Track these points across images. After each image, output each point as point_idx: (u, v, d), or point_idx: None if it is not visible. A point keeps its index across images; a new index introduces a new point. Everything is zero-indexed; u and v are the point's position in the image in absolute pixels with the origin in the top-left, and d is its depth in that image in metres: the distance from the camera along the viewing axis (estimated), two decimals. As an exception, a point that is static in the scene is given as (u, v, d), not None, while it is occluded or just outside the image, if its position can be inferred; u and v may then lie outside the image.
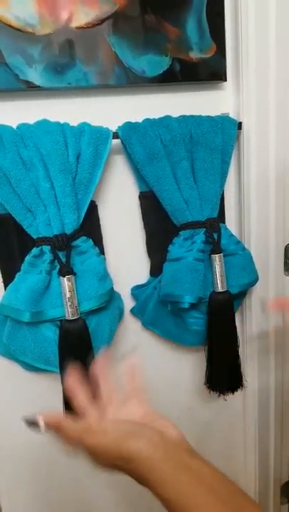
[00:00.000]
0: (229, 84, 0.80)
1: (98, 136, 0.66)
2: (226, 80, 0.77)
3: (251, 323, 0.94)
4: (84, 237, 0.67)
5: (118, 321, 0.76)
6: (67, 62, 0.65)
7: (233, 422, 1.06)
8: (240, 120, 0.79)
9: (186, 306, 0.71)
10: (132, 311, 0.84)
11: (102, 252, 0.72)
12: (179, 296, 0.71)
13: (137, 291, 0.83)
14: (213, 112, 0.77)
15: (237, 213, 0.89)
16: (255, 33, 0.75)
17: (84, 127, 0.65)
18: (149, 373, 0.90)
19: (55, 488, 0.91)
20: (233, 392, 0.80)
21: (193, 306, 0.74)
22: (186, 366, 0.94)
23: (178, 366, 0.93)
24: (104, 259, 0.69)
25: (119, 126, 0.69)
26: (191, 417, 0.99)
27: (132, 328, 0.86)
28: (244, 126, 0.79)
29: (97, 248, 0.68)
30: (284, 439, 1.12)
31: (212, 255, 0.72)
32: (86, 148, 0.65)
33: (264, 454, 1.10)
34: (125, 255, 0.81)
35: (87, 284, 0.65)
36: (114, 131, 0.69)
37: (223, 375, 0.78)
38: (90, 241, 0.67)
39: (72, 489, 0.92)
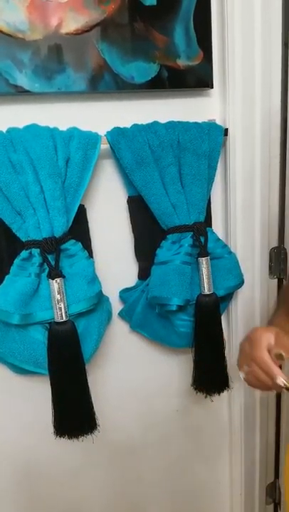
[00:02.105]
0: (216, 91, 0.82)
1: (87, 140, 0.66)
2: (212, 87, 0.79)
3: (237, 325, 0.95)
4: (73, 241, 0.68)
5: (106, 324, 0.76)
6: (56, 67, 0.66)
7: (219, 423, 1.07)
8: (227, 127, 0.81)
9: (174, 308, 0.72)
10: (120, 313, 0.85)
11: (90, 255, 0.73)
12: (166, 298, 0.72)
13: (125, 294, 0.84)
14: (200, 118, 0.79)
15: (223, 217, 0.91)
16: (242, 42, 0.77)
17: (73, 132, 0.66)
18: (136, 375, 0.91)
19: (40, 493, 0.90)
20: (219, 393, 0.81)
21: (180, 309, 0.75)
22: (173, 368, 0.95)
23: (165, 368, 0.94)
24: (93, 262, 0.70)
25: (108, 132, 0.71)
26: (178, 417, 1.00)
27: (120, 331, 0.87)
28: (230, 132, 0.81)
29: (86, 251, 0.69)
30: (269, 440, 1.14)
31: (199, 258, 0.74)
32: (75, 152, 0.65)
33: (250, 455, 1.11)
34: (113, 258, 0.82)
35: (76, 286, 0.66)
36: (103, 136, 0.70)
37: (210, 376, 0.80)
38: (79, 244, 0.68)
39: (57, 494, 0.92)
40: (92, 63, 0.69)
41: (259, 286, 0.96)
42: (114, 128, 0.71)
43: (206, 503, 1.14)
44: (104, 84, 0.70)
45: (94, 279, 0.68)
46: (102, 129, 0.70)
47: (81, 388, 0.67)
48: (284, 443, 1.11)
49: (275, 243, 0.95)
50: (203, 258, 0.73)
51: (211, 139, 0.76)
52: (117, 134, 0.69)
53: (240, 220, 0.88)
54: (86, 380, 0.68)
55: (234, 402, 1.04)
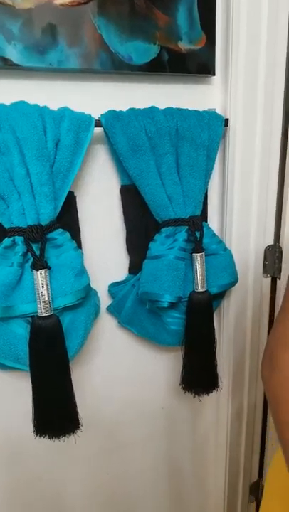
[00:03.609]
0: (217, 79, 0.78)
1: (80, 122, 0.62)
2: (214, 75, 0.75)
3: (228, 324, 0.92)
4: (60, 230, 0.64)
5: (94, 319, 0.73)
6: (48, 41, 0.61)
7: (205, 422, 1.05)
8: (227, 117, 0.77)
9: (166, 305, 0.69)
10: (109, 308, 0.81)
11: (79, 246, 0.69)
12: (158, 294, 0.68)
13: (114, 288, 0.80)
14: (200, 106, 0.74)
15: (219, 212, 0.87)
16: (247, 28, 0.73)
17: (64, 112, 0.61)
18: (123, 372, 0.88)
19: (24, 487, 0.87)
20: (208, 393, 0.78)
21: (172, 306, 0.71)
22: (160, 365, 0.92)
23: (152, 365, 0.91)
24: (82, 253, 0.65)
25: (102, 114, 0.66)
26: (164, 415, 0.97)
27: (107, 326, 0.83)
28: (230, 123, 0.77)
29: (74, 242, 0.64)
30: (255, 439, 1.13)
31: (193, 254, 0.70)
32: (66, 134, 0.61)
33: (234, 453, 1.09)
34: (103, 251, 0.77)
35: (63, 279, 0.61)
36: (96, 118, 0.65)
37: (199, 375, 0.77)
38: (67, 234, 0.64)
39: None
40: (87, 39, 0.64)
41: (252, 284, 0.93)
42: (109, 111, 0.66)
43: (189, 500, 1.13)
44: (100, 62, 0.65)
45: (82, 272, 0.63)
46: (95, 112, 0.65)
47: (64, 387, 0.63)
48: (269, 443, 1.10)
49: (270, 241, 0.92)
50: (198, 254, 0.70)
51: (211, 128, 0.72)
52: (112, 117, 0.65)
53: (236, 216, 0.84)
54: (70, 378, 0.64)
55: (221, 402, 1.02)
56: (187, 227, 0.70)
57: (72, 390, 0.64)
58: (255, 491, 1.23)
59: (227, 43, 0.75)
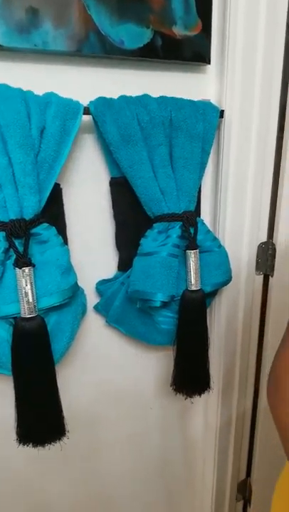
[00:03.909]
0: (212, 68, 0.74)
1: (67, 109, 0.57)
2: (209, 63, 0.71)
3: (220, 322, 0.90)
4: (46, 224, 0.59)
5: (81, 319, 0.69)
6: (33, 19, 0.56)
7: (194, 421, 1.03)
8: (222, 108, 0.74)
9: (158, 304, 0.65)
10: (96, 307, 0.78)
11: (65, 241, 0.65)
12: (150, 293, 0.65)
13: (102, 286, 0.76)
14: (193, 96, 0.70)
15: (212, 207, 0.84)
16: (245, 16, 0.69)
17: (51, 97, 0.57)
18: (110, 373, 0.84)
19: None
20: (200, 395, 0.75)
21: (164, 305, 0.68)
22: (149, 365, 0.89)
23: (141, 365, 0.88)
24: (68, 250, 0.61)
25: (91, 101, 0.62)
26: (153, 415, 0.95)
27: (94, 326, 0.79)
28: (226, 114, 0.74)
29: (60, 237, 0.60)
30: (244, 438, 1.11)
31: (187, 251, 0.67)
32: (52, 121, 0.56)
33: (223, 451, 1.08)
34: (91, 246, 0.74)
35: (48, 277, 0.57)
36: (85, 105, 0.61)
37: (191, 376, 0.74)
38: (53, 229, 0.60)
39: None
40: (75, 19, 0.59)
41: (244, 282, 0.91)
42: (99, 97, 0.62)
43: (177, 499, 1.11)
44: (89, 46, 0.61)
45: (69, 270, 0.59)
46: (83, 98, 0.61)
47: (50, 392, 0.59)
48: (258, 442, 1.08)
49: (264, 238, 0.89)
50: (192, 251, 0.66)
51: (206, 119, 0.68)
52: (102, 105, 0.61)
53: (230, 212, 0.81)
54: (55, 383, 0.60)
55: (211, 401, 1.00)
56: (181, 222, 0.66)
57: (58, 395, 0.61)
58: (243, 489, 1.22)
59: (224, 31, 0.71)
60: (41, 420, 0.60)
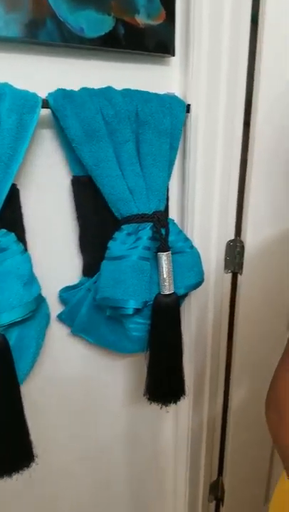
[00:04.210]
0: (177, 60, 0.71)
1: (23, 102, 0.52)
2: (173, 55, 0.68)
3: (190, 323, 0.87)
4: (3, 230, 0.53)
5: (45, 332, 0.63)
6: (-19, -1, 0.50)
7: (165, 425, 1.00)
8: (188, 102, 0.71)
9: (131, 312, 0.61)
10: (60, 316, 0.72)
11: (24, 247, 0.59)
12: (121, 300, 0.60)
13: (66, 293, 0.71)
14: (157, 90, 0.67)
15: (179, 206, 0.81)
16: (209, 6, 0.66)
17: (4, 89, 0.51)
18: (76, 384, 0.80)
19: None
20: (176, 402, 0.72)
21: (136, 311, 0.64)
22: (117, 373, 0.85)
23: (109, 374, 0.84)
24: (30, 257, 0.56)
25: (49, 93, 0.56)
26: (123, 423, 0.91)
27: (57, 336, 0.73)
28: (192, 109, 0.71)
29: (21, 244, 0.54)
30: (215, 439, 1.10)
31: (159, 253, 0.63)
32: (7, 116, 0.50)
33: (195, 454, 1.07)
34: (52, 251, 0.68)
35: (8, 290, 0.51)
36: (43, 98, 0.55)
37: (166, 385, 0.70)
38: (12, 235, 0.54)
39: None
40: (30, 3, 0.53)
41: (214, 281, 0.89)
42: (58, 89, 0.56)
43: (150, 502, 1.08)
44: (46, 33, 0.55)
45: (32, 280, 0.54)
46: (40, 90, 0.55)
47: (15, 417, 0.53)
48: (230, 442, 1.08)
49: (232, 235, 0.88)
50: (164, 253, 0.63)
51: (173, 114, 0.65)
52: (62, 97, 0.55)
53: (198, 210, 0.79)
54: (21, 406, 0.54)
55: (182, 405, 0.97)
56: (152, 223, 0.62)
57: (24, 419, 0.55)
58: (215, 490, 1.21)
59: (188, 22, 0.68)
60: (6, 449, 0.54)
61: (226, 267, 0.90)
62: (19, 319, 0.52)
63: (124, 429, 0.92)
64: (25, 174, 0.61)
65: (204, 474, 1.12)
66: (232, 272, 0.92)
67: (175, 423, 1.01)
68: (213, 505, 1.25)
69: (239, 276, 0.91)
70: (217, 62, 0.70)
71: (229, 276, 0.92)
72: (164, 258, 0.63)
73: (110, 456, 0.92)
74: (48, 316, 0.65)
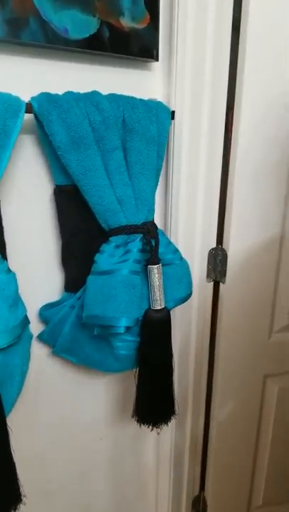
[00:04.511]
0: (160, 65, 0.69)
1: (6, 106, 0.47)
2: (157, 60, 0.66)
3: (174, 333, 0.84)
4: (-16, 246, 0.48)
5: (29, 356, 0.58)
6: None
7: (147, 443, 0.97)
8: (172, 109, 0.69)
9: (122, 330, 0.57)
10: (41, 336, 0.67)
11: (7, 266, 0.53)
12: (112, 318, 0.57)
13: (47, 312, 0.66)
14: (140, 95, 0.64)
15: (162, 214, 0.79)
16: (194, 11, 0.65)
17: (-16, 91, 0.46)
18: (56, 406, 0.75)
19: None
20: (167, 423, 0.69)
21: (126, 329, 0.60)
22: (97, 392, 0.81)
23: (88, 394, 0.79)
24: (15, 276, 0.51)
25: (33, 97, 0.52)
26: (105, 445, 0.86)
27: (36, 356, 0.68)
28: (177, 116, 0.69)
29: (5, 263, 0.49)
30: (196, 454, 1.08)
31: (149, 266, 0.60)
32: (-13, 120, 0.46)
33: (178, 471, 1.04)
34: (32, 266, 0.63)
35: (-7, 313, 0.46)
36: (27, 102, 0.51)
37: (157, 406, 0.67)
38: (-5, 252, 0.48)
39: None
40: (13, 1, 0.49)
41: (197, 290, 0.87)
42: (42, 93, 0.52)
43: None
44: (30, 33, 0.51)
45: (17, 301, 0.49)
46: (22, 94, 0.51)
47: (3, 457, 0.47)
48: (212, 460, 1.06)
49: (213, 244, 0.87)
50: (155, 266, 0.60)
51: (159, 121, 0.63)
52: (46, 102, 0.51)
53: (182, 219, 0.77)
54: (8, 442, 0.49)
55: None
56: (141, 235, 0.59)
57: (11, 456, 0.49)
58: (197, 504, 1.19)
59: (172, 27, 0.66)
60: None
61: (208, 275, 0.89)
62: (5, 346, 0.47)
63: (106, 451, 0.88)
64: (5, 184, 0.56)
65: (186, 489, 1.10)
66: (213, 280, 0.91)
67: (157, 440, 0.98)
68: (195, 519, 1.22)
69: (222, 285, 0.90)
70: (201, 67, 0.68)
71: (211, 285, 0.91)
72: (155, 271, 0.60)
73: (92, 473, 0.87)
74: (30, 338, 0.60)
